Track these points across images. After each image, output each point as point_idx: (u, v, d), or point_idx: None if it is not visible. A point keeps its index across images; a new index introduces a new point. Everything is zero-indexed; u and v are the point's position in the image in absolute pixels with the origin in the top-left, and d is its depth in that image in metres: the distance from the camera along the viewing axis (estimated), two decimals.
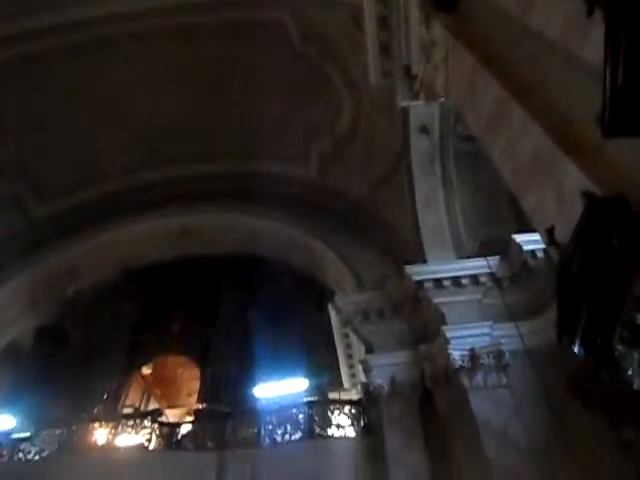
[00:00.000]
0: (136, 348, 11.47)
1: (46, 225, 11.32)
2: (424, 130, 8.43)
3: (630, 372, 2.19)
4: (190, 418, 10.21)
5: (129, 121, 10.63)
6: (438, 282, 8.08)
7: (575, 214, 2.46)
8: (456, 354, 7.15)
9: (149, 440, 8.51)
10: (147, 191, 11.69)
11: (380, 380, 7.63)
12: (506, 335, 7.31)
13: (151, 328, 11.88)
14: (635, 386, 2.18)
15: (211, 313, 11.89)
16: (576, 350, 2.56)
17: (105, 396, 10.14)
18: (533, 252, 7.79)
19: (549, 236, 2.87)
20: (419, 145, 8.59)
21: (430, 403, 7.32)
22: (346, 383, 10.10)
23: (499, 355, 7.06)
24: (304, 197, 11.07)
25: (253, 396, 9.66)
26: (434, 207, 9.01)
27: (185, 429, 8.92)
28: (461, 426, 6.68)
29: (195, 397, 10.89)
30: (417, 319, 8.20)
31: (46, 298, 11.81)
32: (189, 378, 11.92)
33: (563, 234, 2.74)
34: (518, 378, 6.81)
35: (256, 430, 8.16)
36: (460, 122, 7.93)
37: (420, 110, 7.92)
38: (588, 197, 2.39)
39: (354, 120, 9.87)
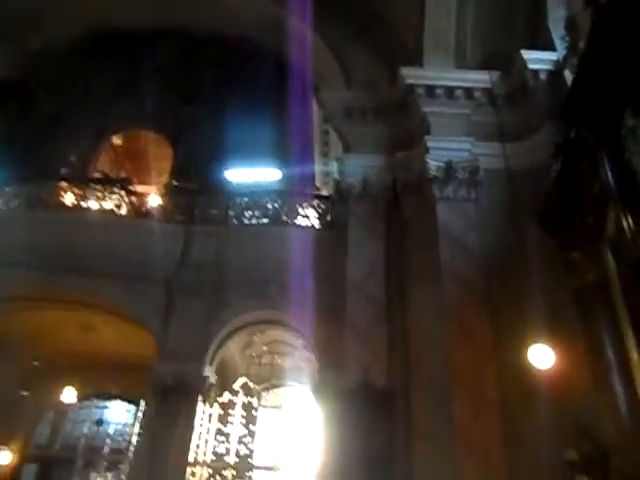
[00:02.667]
0: (107, 116, 11.00)
1: None
2: None
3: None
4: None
5: None
6: (431, 89, 7.65)
7: None
8: (433, 164, 7.12)
9: (118, 206, 8.68)
10: None
11: (352, 179, 7.67)
12: (485, 154, 7.26)
13: (124, 98, 11.26)
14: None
15: (188, 92, 11.26)
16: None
17: (73, 158, 10.00)
18: (536, 72, 7.34)
19: None
20: None
21: (397, 209, 7.51)
22: (318, 181, 10.23)
23: (474, 171, 7.08)
24: None
25: (225, 179, 9.73)
26: (445, 7, 8.08)
27: (154, 202, 9.08)
28: (422, 232, 6.97)
29: (166, 178, 10.93)
30: (400, 126, 7.94)
31: (6, 46, 10.76)
32: (161, 157, 11.77)
33: None
34: (486, 195, 6.96)
35: (225, 210, 8.39)
36: None
37: None
38: None
39: None
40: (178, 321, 7.48)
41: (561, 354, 4.56)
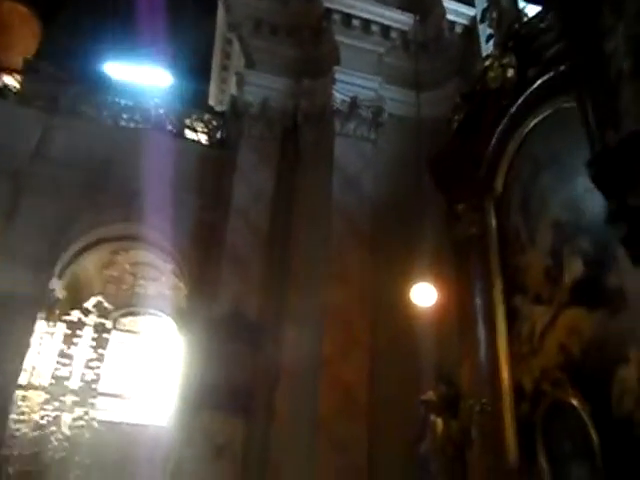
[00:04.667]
0: None
1: None
2: None
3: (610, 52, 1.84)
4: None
5: None
6: (347, 18, 7.18)
7: None
8: (338, 96, 6.76)
9: None
10: None
11: (251, 98, 7.01)
12: (392, 98, 7.10)
13: None
14: (613, 71, 1.85)
15: None
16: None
17: None
18: (453, 24, 7.24)
19: None
20: None
21: (294, 138, 7.07)
22: (213, 96, 9.34)
23: (378, 112, 6.85)
24: None
25: (103, 73, 8.41)
26: None
27: (11, 82, 7.55)
28: (317, 165, 6.65)
29: (30, 58, 9.18)
30: (311, 52, 7.40)
31: None
32: (27, 35, 9.86)
33: None
34: (388, 139, 6.81)
35: (98, 107, 7.21)
36: None
37: None
38: None
39: None
40: (24, 222, 6.32)
41: (443, 294, 4.59)
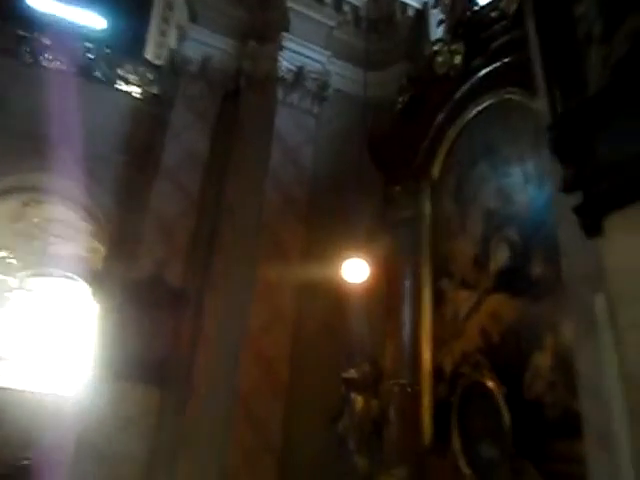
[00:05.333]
0: None
1: None
2: None
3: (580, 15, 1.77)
4: None
5: None
6: None
7: None
8: (284, 64, 6.51)
9: None
10: None
11: (191, 54, 6.59)
12: (339, 73, 6.96)
13: None
14: (580, 35, 1.78)
15: None
16: None
17: None
18: (405, 6, 7.19)
19: None
20: None
21: (234, 102, 6.74)
22: (151, 48, 8.72)
23: (323, 86, 6.69)
24: None
25: (25, 4, 7.54)
26: None
27: None
28: (255, 133, 6.38)
29: None
30: (259, 14, 7.06)
31: None
32: None
33: None
34: (331, 115, 6.67)
35: (16, 42, 6.44)
36: None
37: None
38: None
39: None
40: None
41: (374, 272, 4.55)
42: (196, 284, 5.73)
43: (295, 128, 6.33)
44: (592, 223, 1.65)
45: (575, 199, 1.73)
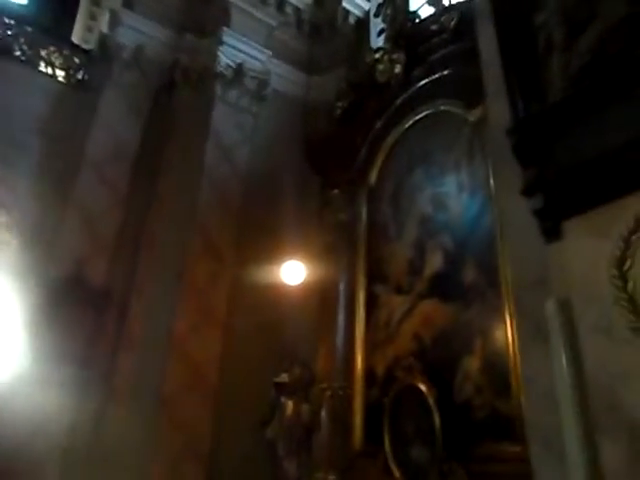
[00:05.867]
0: None
1: None
2: None
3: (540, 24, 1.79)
4: None
5: None
6: None
7: None
8: (223, 59, 6.33)
9: None
10: None
11: (125, 41, 6.25)
12: (278, 74, 6.88)
13: None
14: (541, 43, 1.80)
15: None
16: None
17: None
18: (347, 13, 7.27)
19: None
20: None
21: (169, 95, 6.47)
22: (78, 35, 8.16)
23: (263, 85, 6.58)
24: None
25: None
26: None
27: None
28: (190, 129, 6.15)
29: None
30: (199, 6, 6.84)
31: None
32: None
33: None
34: (269, 116, 6.56)
35: None
36: None
37: None
38: None
39: None
40: None
41: (310, 275, 4.51)
42: (121, 283, 5.40)
43: (232, 126, 6.17)
44: (552, 226, 1.70)
45: (531, 204, 1.77)
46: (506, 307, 3.51)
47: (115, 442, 4.26)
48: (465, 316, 3.81)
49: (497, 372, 3.43)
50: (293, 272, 4.47)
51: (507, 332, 3.44)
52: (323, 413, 4.45)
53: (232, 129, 6.20)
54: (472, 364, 3.61)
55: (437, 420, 3.43)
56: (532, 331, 1.89)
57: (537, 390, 1.81)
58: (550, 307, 1.68)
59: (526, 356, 1.93)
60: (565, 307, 1.63)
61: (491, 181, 3.97)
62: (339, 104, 5.83)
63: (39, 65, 6.27)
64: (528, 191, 1.79)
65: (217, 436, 4.59)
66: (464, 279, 3.93)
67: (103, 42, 6.47)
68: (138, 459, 4.18)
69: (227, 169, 5.94)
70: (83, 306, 4.95)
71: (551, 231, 1.73)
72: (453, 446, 3.35)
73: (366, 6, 7.30)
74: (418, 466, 3.51)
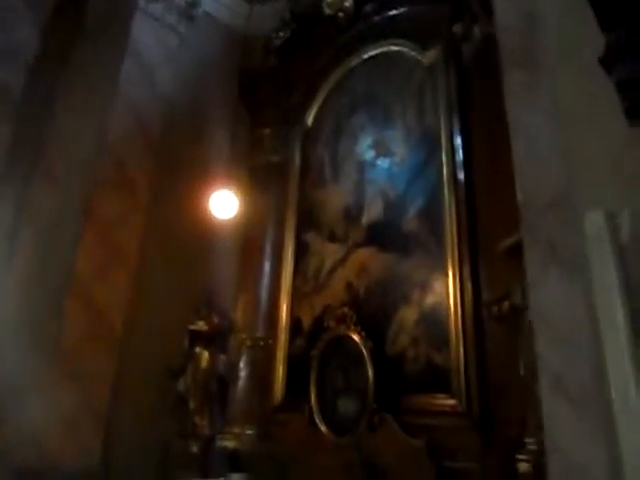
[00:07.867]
0: None
1: None
2: None
3: None
4: None
5: None
6: None
7: None
8: None
9: None
10: None
11: None
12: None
13: None
14: None
15: None
16: None
17: None
18: None
19: None
20: None
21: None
22: None
23: (193, 4, 5.79)
24: None
25: None
26: None
27: None
28: (105, 40, 5.22)
29: None
30: None
31: None
32: None
33: None
34: (197, 38, 5.71)
35: None
36: None
37: None
38: None
39: None
40: None
41: (237, 216, 4.06)
42: (12, 216, 4.57)
43: (155, 43, 5.36)
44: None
45: (614, 76, 1.42)
46: (449, 258, 3.36)
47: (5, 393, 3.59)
48: (404, 266, 3.61)
49: (435, 324, 3.28)
50: (219, 206, 4.00)
51: (448, 283, 3.30)
52: (242, 365, 4.11)
53: (155, 46, 5.39)
54: (409, 315, 3.44)
55: (370, 371, 3.23)
56: (546, 258, 1.65)
57: (548, 324, 1.59)
58: (596, 219, 1.42)
59: (536, 288, 1.69)
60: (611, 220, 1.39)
61: (442, 126, 3.77)
62: (280, 34, 5.32)
63: None
64: (609, 59, 1.47)
65: (120, 391, 4.06)
66: (405, 228, 3.72)
67: None
68: (34, 410, 3.56)
69: (146, 90, 5.18)
70: None
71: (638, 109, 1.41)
72: (385, 398, 3.17)
73: None
74: (346, 419, 3.30)
